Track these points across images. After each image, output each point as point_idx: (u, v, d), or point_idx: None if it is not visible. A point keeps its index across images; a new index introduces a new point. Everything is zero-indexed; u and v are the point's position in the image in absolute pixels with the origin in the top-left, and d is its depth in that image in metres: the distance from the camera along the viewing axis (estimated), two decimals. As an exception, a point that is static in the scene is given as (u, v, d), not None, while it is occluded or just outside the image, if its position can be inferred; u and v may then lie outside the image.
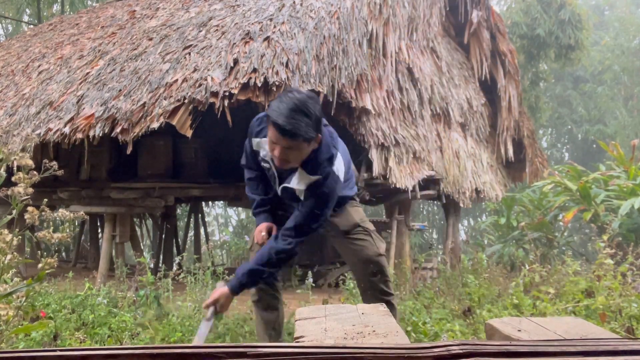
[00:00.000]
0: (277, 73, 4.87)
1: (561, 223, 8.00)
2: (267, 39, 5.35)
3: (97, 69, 6.39)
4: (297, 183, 2.38)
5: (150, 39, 6.56)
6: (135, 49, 6.45)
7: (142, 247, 8.45)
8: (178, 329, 3.41)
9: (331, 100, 5.21)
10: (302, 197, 2.41)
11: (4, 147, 1.74)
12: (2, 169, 1.73)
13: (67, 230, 1.76)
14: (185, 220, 11.64)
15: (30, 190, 1.63)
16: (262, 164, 2.51)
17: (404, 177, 6.14)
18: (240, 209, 16.11)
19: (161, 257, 8.54)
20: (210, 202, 14.35)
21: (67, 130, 5.47)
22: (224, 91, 4.86)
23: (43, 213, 1.67)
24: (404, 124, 6.64)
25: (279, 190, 2.50)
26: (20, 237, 1.68)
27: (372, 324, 1.43)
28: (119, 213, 6.58)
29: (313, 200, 2.39)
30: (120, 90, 5.64)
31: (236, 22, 5.98)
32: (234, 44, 5.46)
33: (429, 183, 7.08)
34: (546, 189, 7.89)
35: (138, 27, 7.30)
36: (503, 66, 9.24)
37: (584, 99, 18.59)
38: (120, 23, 7.94)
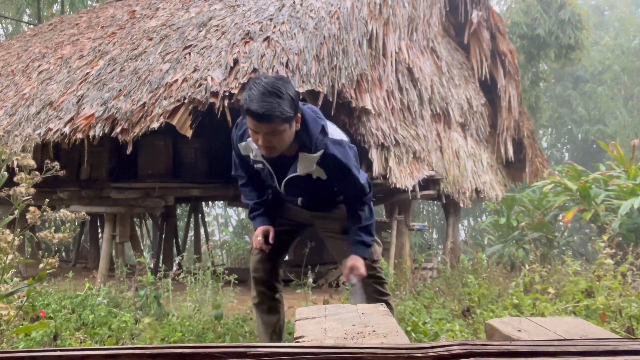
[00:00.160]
0: (277, 73, 4.88)
1: (561, 223, 8.00)
2: (267, 39, 5.35)
3: (97, 69, 6.39)
4: (304, 168, 2.34)
5: (150, 39, 6.56)
6: (135, 49, 6.46)
7: (142, 247, 8.45)
8: (178, 329, 3.41)
9: (331, 100, 5.22)
10: (323, 177, 2.39)
11: (5, 147, 1.74)
12: (3, 170, 1.73)
13: (68, 231, 1.76)
14: (185, 220, 11.65)
15: (32, 190, 1.63)
16: (255, 166, 2.48)
17: (404, 177, 6.14)
18: (240, 209, 16.11)
19: (161, 257, 8.54)
20: (210, 202, 14.36)
21: (67, 130, 5.47)
22: (224, 91, 4.86)
23: (45, 213, 1.67)
24: (404, 124, 6.64)
25: (281, 185, 2.46)
26: (21, 237, 1.68)
27: (372, 324, 1.43)
28: (119, 213, 6.58)
29: (345, 172, 2.37)
30: (120, 90, 5.64)
31: (236, 22, 5.99)
32: (234, 44, 5.46)
33: (429, 183, 7.08)
34: (546, 189, 7.89)
35: (138, 27, 7.30)
36: (503, 66, 9.24)
37: (584, 99, 18.60)
38: (120, 23, 7.95)
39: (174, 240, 8.87)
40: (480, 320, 3.51)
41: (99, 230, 9.00)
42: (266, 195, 2.66)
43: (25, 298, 1.66)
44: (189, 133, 4.94)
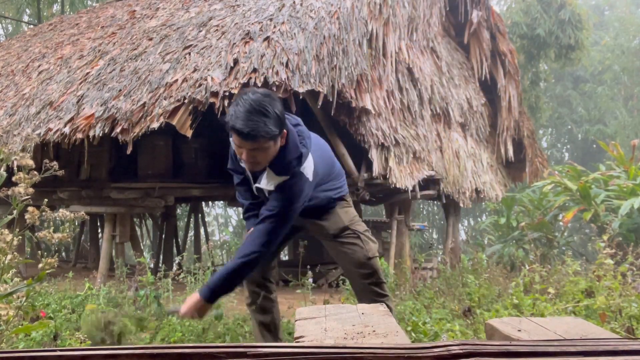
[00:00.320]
0: (277, 73, 4.87)
1: (561, 223, 8.00)
2: (267, 39, 5.35)
3: (97, 69, 6.39)
4: (266, 183, 2.36)
5: (150, 39, 6.56)
6: (135, 49, 6.46)
7: (142, 247, 8.45)
8: (178, 329, 3.41)
9: (331, 100, 5.22)
10: (268, 190, 2.40)
11: (5, 147, 1.74)
12: (3, 169, 1.73)
13: (68, 231, 1.76)
14: (185, 220, 11.65)
15: (31, 190, 1.63)
16: (242, 165, 2.45)
17: (404, 177, 6.14)
18: (240, 209, 16.10)
19: (161, 257, 8.54)
20: (210, 202, 14.36)
21: (67, 130, 5.47)
22: (224, 91, 4.86)
23: (44, 213, 1.67)
24: (404, 124, 6.64)
25: (255, 191, 2.50)
26: (20, 237, 1.68)
27: (372, 324, 1.43)
28: (119, 213, 6.58)
29: (279, 198, 2.35)
30: (120, 90, 5.64)
31: (236, 22, 5.98)
32: (234, 44, 5.46)
33: (429, 183, 7.08)
34: (546, 189, 7.90)
35: (138, 27, 7.30)
36: (503, 66, 9.24)
37: (584, 99, 18.60)
38: (120, 23, 7.95)
39: (174, 240, 8.87)
40: (480, 320, 3.51)
41: (99, 230, 9.00)
42: (256, 198, 2.63)
43: (24, 298, 1.66)
44: (189, 133, 4.94)
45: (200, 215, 10.16)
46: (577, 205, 6.93)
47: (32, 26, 14.00)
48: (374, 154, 5.85)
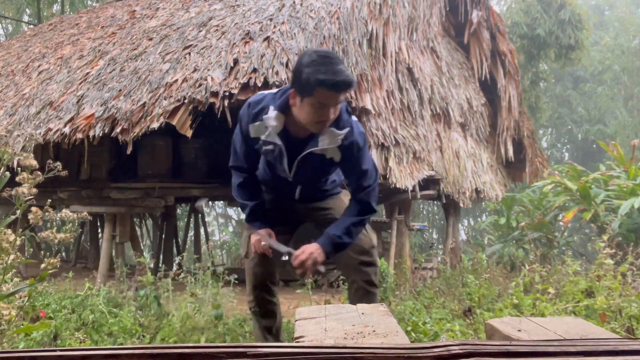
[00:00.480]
0: (277, 73, 4.88)
1: (561, 223, 8.00)
2: (267, 39, 5.35)
3: (97, 69, 6.40)
4: (327, 143, 2.29)
5: (150, 39, 6.56)
6: (135, 49, 6.46)
7: (142, 247, 8.45)
8: (178, 329, 3.41)
9: (331, 100, 5.21)
10: (336, 159, 2.34)
11: (7, 147, 1.75)
12: (3, 169, 1.74)
13: (70, 231, 1.76)
14: (185, 220, 11.65)
15: (35, 190, 1.63)
16: (265, 147, 2.37)
17: (404, 177, 6.14)
18: (240, 209, 16.11)
19: (161, 257, 8.54)
20: (210, 202, 14.35)
21: (67, 130, 5.47)
22: (224, 91, 4.86)
23: (46, 213, 1.68)
24: (404, 124, 6.64)
25: (292, 167, 2.38)
26: (22, 237, 1.69)
27: (372, 324, 1.43)
28: (119, 213, 6.58)
29: (358, 156, 2.34)
30: (120, 90, 5.64)
31: (236, 22, 5.99)
32: (234, 44, 5.46)
33: (429, 183, 7.08)
34: (546, 189, 7.89)
35: (138, 27, 7.30)
36: (503, 66, 9.24)
37: (584, 99, 18.60)
38: (120, 23, 7.95)
39: (174, 240, 8.87)
40: (480, 320, 3.51)
41: (99, 230, 9.01)
42: (261, 198, 2.60)
43: (26, 298, 1.66)
44: (189, 133, 4.94)
45: (200, 215, 10.16)
46: (577, 205, 6.93)
47: (32, 26, 14.00)
48: (374, 154, 5.86)
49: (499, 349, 0.93)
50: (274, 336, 2.74)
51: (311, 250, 2.34)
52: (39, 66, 7.57)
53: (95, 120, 5.37)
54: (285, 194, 2.58)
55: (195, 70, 5.30)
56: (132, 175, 7.06)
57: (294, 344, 1.10)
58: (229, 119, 4.80)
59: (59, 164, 1.77)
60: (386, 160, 6.02)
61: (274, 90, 2.41)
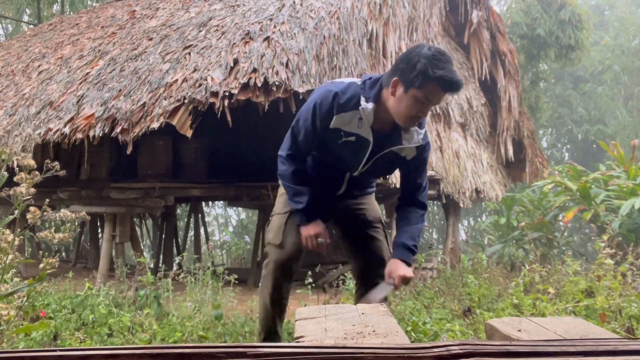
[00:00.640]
0: (277, 73, 4.88)
1: (561, 223, 8.01)
2: (267, 39, 5.35)
3: (97, 69, 6.40)
4: (411, 141, 2.28)
5: (150, 39, 6.56)
6: (135, 49, 6.46)
7: (142, 247, 8.45)
8: (178, 329, 3.41)
9: (331, 100, 5.21)
10: (408, 157, 2.33)
11: (6, 147, 1.75)
12: (3, 169, 1.73)
13: (69, 231, 1.76)
14: (185, 220, 11.65)
15: (33, 190, 1.63)
16: (346, 139, 2.27)
17: (404, 177, 6.13)
18: (240, 209, 16.11)
19: (161, 257, 8.54)
20: (210, 202, 14.36)
21: (67, 130, 5.47)
22: (224, 91, 4.86)
23: (45, 213, 1.67)
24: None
25: (368, 162, 2.33)
26: (21, 237, 1.69)
27: (372, 324, 1.43)
28: (119, 213, 6.58)
29: (426, 157, 2.38)
30: (120, 90, 5.64)
31: (236, 22, 5.99)
32: (234, 44, 5.46)
33: (429, 183, 7.07)
34: (546, 189, 7.89)
35: (138, 27, 7.30)
36: (503, 66, 9.24)
37: (584, 99, 18.60)
38: (120, 23, 7.95)
39: (174, 240, 8.87)
40: (480, 320, 3.51)
41: (99, 230, 9.00)
42: (318, 177, 2.51)
43: (25, 298, 1.66)
44: (189, 133, 4.94)
45: (200, 215, 10.16)
46: (577, 205, 6.93)
47: (32, 26, 14.00)
48: (374, 154, 5.85)
49: (499, 349, 0.93)
50: (280, 326, 2.69)
51: (404, 269, 2.32)
52: (39, 66, 7.57)
53: (95, 120, 5.37)
54: (329, 187, 2.53)
55: (195, 70, 5.30)
56: (132, 175, 7.06)
57: (294, 344, 1.10)
58: (229, 119, 4.80)
59: (57, 164, 1.77)
60: (386, 160, 6.02)
61: (354, 79, 2.33)
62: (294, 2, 6.05)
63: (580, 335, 1.28)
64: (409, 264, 2.34)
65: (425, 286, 5.30)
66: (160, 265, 7.70)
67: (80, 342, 3.20)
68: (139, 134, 5.03)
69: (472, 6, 8.84)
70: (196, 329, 3.40)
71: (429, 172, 6.80)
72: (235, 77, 4.98)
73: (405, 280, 2.32)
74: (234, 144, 8.12)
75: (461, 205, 8.10)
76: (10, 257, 1.60)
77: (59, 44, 8.30)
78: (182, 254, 6.89)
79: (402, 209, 2.48)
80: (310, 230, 2.42)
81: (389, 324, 1.44)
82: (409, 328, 3.27)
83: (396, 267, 2.32)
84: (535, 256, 4.92)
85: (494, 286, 4.64)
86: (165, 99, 5.10)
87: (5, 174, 1.72)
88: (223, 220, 20.42)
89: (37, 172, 1.69)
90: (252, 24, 5.75)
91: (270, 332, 2.68)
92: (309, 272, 4.23)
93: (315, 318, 1.53)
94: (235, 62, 5.15)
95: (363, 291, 2.63)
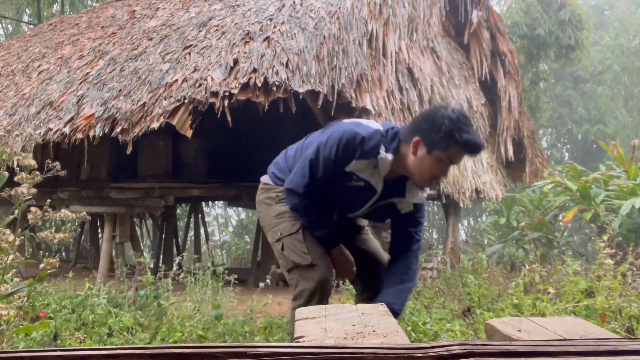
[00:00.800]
0: (277, 73, 4.87)
1: (561, 223, 8.01)
2: (267, 39, 5.35)
3: (97, 69, 6.40)
4: (414, 197, 2.36)
5: (150, 39, 6.56)
6: (135, 49, 6.46)
7: (142, 247, 8.45)
8: (178, 329, 3.41)
9: (331, 100, 5.21)
10: (403, 211, 2.39)
11: (6, 147, 1.75)
12: (4, 169, 1.74)
13: (69, 231, 1.76)
14: (185, 220, 11.65)
15: (34, 190, 1.64)
16: (354, 183, 2.30)
17: (404, 177, 6.13)
18: (240, 209, 16.11)
19: (161, 257, 8.54)
20: (210, 202, 14.36)
21: (67, 130, 5.47)
22: (224, 91, 4.86)
23: (46, 213, 1.68)
24: (404, 124, 6.64)
25: (365, 207, 2.38)
26: (22, 237, 1.69)
27: (372, 324, 1.43)
28: (119, 213, 6.58)
29: (418, 217, 2.44)
30: (120, 90, 5.64)
31: (236, 22, 5.99)
32: (234, 44, 5.46)
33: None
34: (546, 189, 7.90)
35: (138, 27, 7.30)
36: (503, 66, 9.24)
37: (584, 99, 18.59)
38: (120, 23, 7.95)
39: (174, 240, 8.87)
40: (480, 320, 3.51)
41: (99, 230, 9.00)
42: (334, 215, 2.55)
43: (25, 298, 1.66)
44: (189, 133, 4.94)
45: (200, 215, 10.16)
46: (577, 205, 6.93)
47: (32, 26, 14.00)
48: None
49: (499, 349, 0.93)
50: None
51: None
52: (39, 66, 7.57)
53: (95, 120, 5.37)
54: (332, 214, 2.56)
55: (195, 70, 5.30)
56: (132, 175, 7.06)
57: (294, 344, 1.10)
58: (229, 119, 4.80)
59: (57, 164, 1.77)
60: (386, 160, 6.01)
61: (377, 125, 2.34)
62: (294, 2, 6.05)
63: (580, 335, 1.28)
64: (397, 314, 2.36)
65: (425, 286, 5.30)
66: (160, 265, 7.70)
67: (80, 342, 3.20)
68: (139, 134, 5.02)
69: (472, 6, 8.83)
70: (196, 329, 3.40)
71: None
72: (235, 77, 4.98)
73: None
74: (234, 144, 8.12)
75: (461, 205, 8.10)
76: (10, 257, 1.60)
77: (59, 44, 8.30)
78: (182, 254, 6.89)
79: (403, 254, 2.46)
80: (343, 256, 2.49)
81: (389, 324, 1.44)
82: (409, 328, 3.27)
83: None
84: (535, 256, 4.93)
85: (494, 286, 4.64)
86: (165, 99, 5.10)
87: (6, 173, 1.72)
88: (223, 220, 20.42)
89: (37, 172, 1.70)
90: (252, 24, 5.75)
91: None
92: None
93: (315, 318, 1.53)
94: (235, 62, 5.15)
95: (364, 289, 2.68)
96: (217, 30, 6.02)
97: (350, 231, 2.68)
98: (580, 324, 1.44)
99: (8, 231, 1.64)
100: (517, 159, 9.74)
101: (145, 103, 5.20)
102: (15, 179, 1.69)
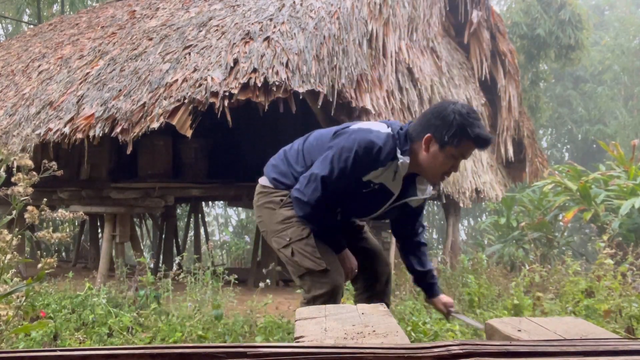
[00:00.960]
0: (277, 73, 4.87)
1: (561, 223, 8.00)
2: (267, 39, 5.35)
3: (97, 69, 6.39)
4: (424, 193, 2.45)
5: (150, 39, 6.56)
6: (135, 49, 6.46)
7: (142, 247, 8.45)
8: (178, 329, 3.41)
9: (331, 100, 5.21)
10: (413, 205, 2.47)
11: (4, 147, 1.75)
12: (2, 169, 1.73)
13: (67, 230, 1.75)
14: (185, 220, 11.65)
15: (30, 190, 1.63)
16: (372, 187, 2.30)
17: (404, 177, 6.13)
18: (240, 209, 16.11)
19: (161, 257, 8.54)
20: (210, 202, 14.36)
21: (67, 130, 5.47)
22: (224, 91, 4.86)
23: (43, 213, 1.67)
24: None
25: (381, 210, 2.42)
26: (20, 236, 1.68)
27: (372, 324, 1.43)
28: (119, 213, 6.58)
29: (423, 206, 2.58)
30: (120, 90, 5.64)
31: (236, 22, 5.98)
32: (234, 44, 5.46)
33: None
34: (546, 189, 7.90)
35: (138, 27, 7.30)
36: (503, 66, 9.24)
37: (584, 99, 18.59)
38: (120, 23, 7.95)
39: (174, 240, 8.87)
40: (480, 320, 3.51)
41: (99, 230, 9.00)
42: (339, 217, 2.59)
43: (24, 298, 1.66)
44: (189, 133, 4.94)
45: (200, 215, 10.16)
46: (577, 205, 6.93)
47: (32, 26, 14.00)
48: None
49: (499, 349, 0.93)
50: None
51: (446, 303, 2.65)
52: (39, 66, 7.57)
53: (95, 120, 5.37)
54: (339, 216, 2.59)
55: (195, 70, 5.29)
56: (132, 175, 7.06)
57: (294, 344, 1.10)
58: (229, 119, 4.80)
59: (54, 164, 1.77)
60: (386, 160, 6.01)
61: (386, 127, 2.32)
62: (294, 2, 6.05)
63: (580, 335, 1.28)
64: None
65: (425, 286, 5.29)
66: (160, 265, 7.70)
67: (80, 342, 3.20)
68: (139, 134, 5.02)
69: (472, 6, 8.83)
70: (196, 329, 3.40)
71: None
72: (235, 77, 4.98)
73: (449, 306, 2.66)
74: (234, 144, 8.12)
75: (461, 205, 8.10)
76: (9, 256, 1.60)
77: (59, 44, 8.30)
78: (182, 254, 6.89)
79: (414, 244, 2.61)
80: (351, 261, 2.52)
81: (389, 324, 1.44)
82: (409, 328, 3.27)
83: (447, 301, 2.65)
84: (535, 256, 4.93)
85: (494, 286, 4.64)
86: (165, 99, 5.10)
87: (4, 174, 1.72)
88: (223, 220, 20.41)
89: (34, 172, 1.69)
90: (252, 24, 5.75)
91: None
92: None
93: (315, 318, 1.53)
94: (235, 62, 5.15)
95: (364, 289, 2.69)
96: (217, 30, 6.02)
97: (350, 231, 2.69)
98: (580, 324, 1.44)
99: (6, 231, 1.64)
100: (517, 159, 9.73)
101: (145, 103, 5.20)
102: (12, 179, 1.69)
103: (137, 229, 9.87)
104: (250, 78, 4.88)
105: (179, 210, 11.89)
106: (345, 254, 2.51)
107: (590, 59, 16.78)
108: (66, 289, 4.62)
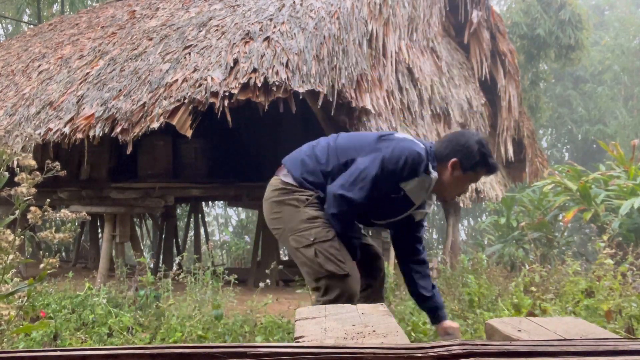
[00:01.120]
0: (277, 73, 4.87)
1: (561, 223, 8.00)
2: (267, 39, 5.35)
3: (97, 69, 6.39)
4: (429, 208, 2.66)
5: (150, 39, 6.56)
6: (135, 49, 6.46)
7: (142, 247, 8.45)
8: (178, 329, 3.41)
9: (331, 100, 5.22)
10: (416, 219, 2.64)
11: (6, 147, 1.75)
12: (4, 169, 1.74)
13: (69, 231, 1.76)
14: (185, 220, 11.65)
15: (34, 190, 1.63)
16: (397, 194, 2.48)
17: (404, 177, 6.13)
18: (240, 209, 16.11)
19: (161, 257, 8.54)
20: (210, 202, 14.36)
21: (67, 130, 5.47)
22: (224, 91, 4.86)
23: (45, 213, 1.68)
24: (404, 124, 6.64)
25: (400, 217, 2.59)
26: (22, 237, 1.69)
27: (372, 324, 1.43)
28: (119, 213, 6.58)
29: (423, 222, 2.75)
30: (120, 90, 5.64)
31: (236, 22, 5.99)
32: (234, 44, 5.46)
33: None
34: (546, 189, 7.89)
35: (138, 27, 7.30)
36: (503, 66, 9.24)
37: (584, 99, 18.59)
38: (120, 23, 7.95)
39: (174, 240, 8.87)
40: (480, 320, 3.51)
41: (99, 230, 9.00)
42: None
43: (25, 298, 1.66)
44: (189, 133, 4.94)
45: (200, 215, 10.16)
46: (577, 205, 6.93)
47: (32, 26, 14.00)
48: (374, 154, 5.84)
49: (499, 349, 0.93)
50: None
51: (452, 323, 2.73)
52: (39, 66, 7.57)
53: (95, 120, 5.37)
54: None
55: (195, 70, 5.30)
56: (132, 175, 7.06)
57: (294, 344, 1.10)
58: (229, 119, 4.80)
59: (57, 164, 1.77)
60: (386, 160, 6.01)
61: (419, 143, 2.53)
62: (294, 2, 6.05)
63: (580, 335, 1.28)
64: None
65: (425, 286, 5.28)
66: (160, 265, 7.70)
67: (81, 342, 3.20)
68: (139, 134, 5.02)
69: (472, 6, 8.83)
70: (196, 329, 3.40)
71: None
72: (235, 77, 4.98)
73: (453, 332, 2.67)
74: (234, 144, 8.12)
75: (461, 205, 8.10)
76: (10, 257, 1.60)
77: (59, 44, 8.30)
78: (182, 254, 6.89)
79: (417, 260, 2.74)
80: (358, 272, 2.61)
81: (389, 324, 1.44)
82: (409, 328, 3.27)
83: (450, 325, 2.68)
84: (535, 256, 4.92)
85: (494, 286, 4.63)
86: (165, 99, 5.10)
87: (6, 174, 1.72)
88: (223, 220, 20.41)
89: (37, 172, 1.70)
90: (252, 24, 5.75)
91: None
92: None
93: (315, 318, 1.53)
94: (235, 62, 5.15)
95: (364, 288, 2.70)
96: (217, 30, 6.02)
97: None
98: (580, 324, 1.44)
99: (8, 231, 1.64)
100: (517, 159, 9.73)
101: (145, 103, 5.20)
102: (16, 179, 1.69)
103: (137, 229, 9.88)
104: (250, 78, 4.88)
105: (179, 210, 11.89)
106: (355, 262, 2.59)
107: (590, 59, 16.78)
108: (66, 289, 4.62)
